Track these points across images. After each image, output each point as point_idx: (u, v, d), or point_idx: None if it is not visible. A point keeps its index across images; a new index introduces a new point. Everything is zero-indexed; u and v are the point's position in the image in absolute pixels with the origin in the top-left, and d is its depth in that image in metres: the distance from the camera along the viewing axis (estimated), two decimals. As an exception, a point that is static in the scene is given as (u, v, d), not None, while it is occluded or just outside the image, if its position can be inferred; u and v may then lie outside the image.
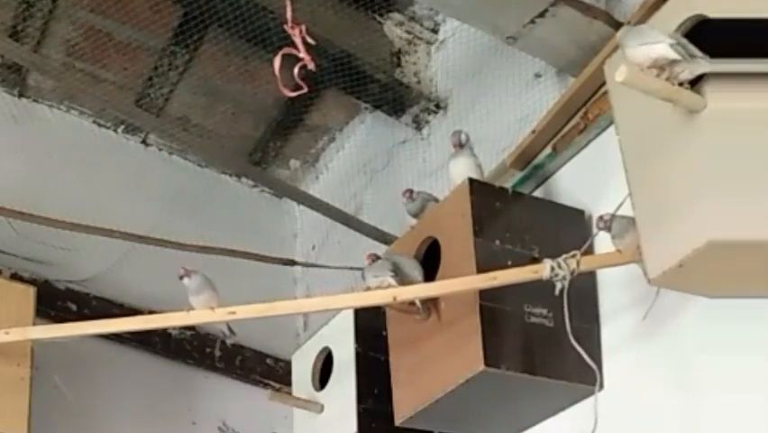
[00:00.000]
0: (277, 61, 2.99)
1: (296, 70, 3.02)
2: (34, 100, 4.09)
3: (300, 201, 4.22)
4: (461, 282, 2.76)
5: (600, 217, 2.63)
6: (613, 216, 2.59)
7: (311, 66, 3.00)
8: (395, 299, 2.80)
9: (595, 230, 2.67)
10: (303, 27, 2.99)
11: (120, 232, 3.70)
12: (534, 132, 3.18)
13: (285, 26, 3.00)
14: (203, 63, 3.99)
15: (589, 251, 2.74)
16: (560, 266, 2.59)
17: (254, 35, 3.64)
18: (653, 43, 2.17)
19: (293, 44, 3.01)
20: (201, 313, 2.87)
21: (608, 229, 2.61)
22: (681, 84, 2.18)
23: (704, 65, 2.15)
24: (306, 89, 3.07)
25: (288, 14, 2.99)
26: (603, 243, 2.74)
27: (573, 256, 2.60)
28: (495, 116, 3.53)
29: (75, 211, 3.67)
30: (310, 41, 2.98)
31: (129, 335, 3.79)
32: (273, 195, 4.52)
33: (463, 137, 3.09)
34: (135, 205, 4.05)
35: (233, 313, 2.79)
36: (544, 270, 2.60)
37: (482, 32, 3.33)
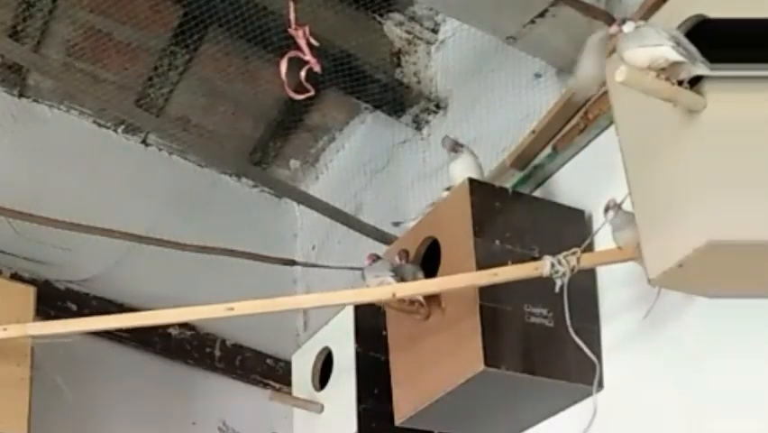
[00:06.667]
0: (283, 65, 2.99)
1: (302, 74, 3.02)
2: (34, 100, 4.09)
3: (300, 201, 4.22)
4: (461, 279, 2.75)
5: (608, 206, 2.63)
6: (619, 206, 2.58)
7: (317, 68, 3.01)
8: (394, 295, 2.80)
9: (608, 214, 2.63)
10: (306, 29, 2.99)
11: (120, 232, 3.70)
12: (534, 132, 3.18)
13: (289, 29, 3.00)
14: (203, 63, 3.99)
15: (590, 249, 2.75)
16: (560, 263, 2.59)
17: (254, 35, 3.64)
18: (655, 45, 2.16)
19: (296, 45, 3.01)
20: (199, 309, 2.86)
21: (615, 213, 2.59)
22: (680, 83, 2.18)
23: (704, 69, 2.15)
24: (312, 92, 3.07)
25: (291, 16, 2.99)
26: (603, 241, 2.74)
27: (573, 253, 2.60)
28: (495, 116, 3.53)
29: (75, 211, 3.67)
30: (314, 42, 2.99)
31: (129, 334, 3.79)
32: (273, 195, 4.52)
33: (448, 142, 3.10)
34: (135, 205, 4.05)
35: (232, 309, 2.77)
36: (544, 266, 2.60)
37: (482, 32, 3.33)
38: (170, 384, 3.99)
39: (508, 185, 3.20)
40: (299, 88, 3.10)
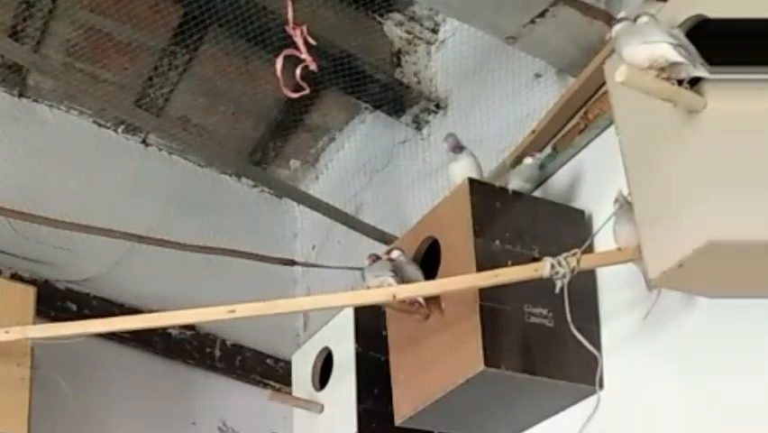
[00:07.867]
0: (278, 63, 3.00)
1: (298, 71, 3.02)
2: (34, 100, 4.09)
3: (300, 201, 4.22)
4: (461, 280, 2.75)
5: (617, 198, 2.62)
6: (626, 199, 2.57)
7: (313, 67, 3.01)
8: (394, 297, 2.80)
9: (618, 199, 2.63)
10: (304, 28, 2.99)
11: (120, 232, 3.70)
12: (534, 132, 3.18)
13: (286, 27, 3.00)
14: (203, 63, 3.99)
15: (590, 249, 2.75)
16: (560, 264, 2.59)
17: (254, 35, 3.64)
18: (655, 42, 2.16)
19: (294, 45, 3.01)
20: (201, 311, 2.87)
21: (620, 205, 2.59)
22: (680, 82, 2.18)
23: (704, 72, 2.15)
24: (307, 90, 3.07)
25: (290, 15, 2.99)
26: (603, 242, 2.74)
27: (574, 254, 2.60)
28: (495, 116, 3.53)
29: (75, 211, 3.67)
30: (311, 41, 2.99)
31: (129, 334, 3.79)
32: (273, 195, 4.52)
33: (451, 140, 3.10)
34: (135, 205, 4.05)
35: (233, 311, 2.78)
36: (544, 268, 2.60)
37: (482, 32, 3.33)
38: (170, 384, 3.99)
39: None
40: (296, 87, 3.10)
